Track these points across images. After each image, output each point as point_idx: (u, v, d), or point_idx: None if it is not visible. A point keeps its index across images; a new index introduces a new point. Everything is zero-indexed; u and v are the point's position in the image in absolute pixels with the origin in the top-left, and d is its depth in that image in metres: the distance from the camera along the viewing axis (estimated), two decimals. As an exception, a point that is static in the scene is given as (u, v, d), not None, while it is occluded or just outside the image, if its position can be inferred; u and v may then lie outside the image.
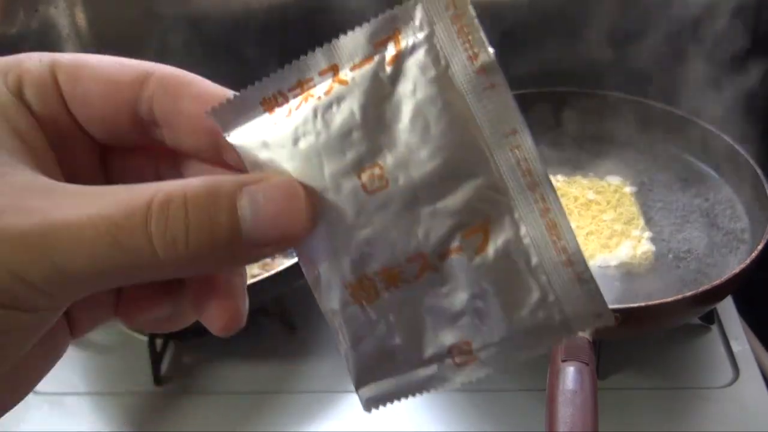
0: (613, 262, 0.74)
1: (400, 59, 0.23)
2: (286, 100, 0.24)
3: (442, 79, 0.23)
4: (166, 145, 0.27)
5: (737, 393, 0.69)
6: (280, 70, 0.24)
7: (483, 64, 0.22)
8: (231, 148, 0.25)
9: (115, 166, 0.28)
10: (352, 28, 0.24)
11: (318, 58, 0.24)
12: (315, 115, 0.23)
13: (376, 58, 0.23)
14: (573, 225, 0.80)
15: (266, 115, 0.24)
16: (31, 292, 0.21)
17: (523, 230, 0.23)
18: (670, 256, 0.75)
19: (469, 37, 0.22)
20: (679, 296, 0.63)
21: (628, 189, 0.82)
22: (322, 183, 0.23)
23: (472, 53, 0.22)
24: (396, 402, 0.25)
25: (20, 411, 0.70)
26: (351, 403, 0.70)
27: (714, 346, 0.74)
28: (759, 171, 0.75)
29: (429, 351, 0.24)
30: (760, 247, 0.67)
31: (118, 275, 0.22)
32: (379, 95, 0.23)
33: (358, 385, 0.25)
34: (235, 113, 0.24)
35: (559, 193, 0.82)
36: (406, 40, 0.23)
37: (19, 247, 0.21)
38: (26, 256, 0.21)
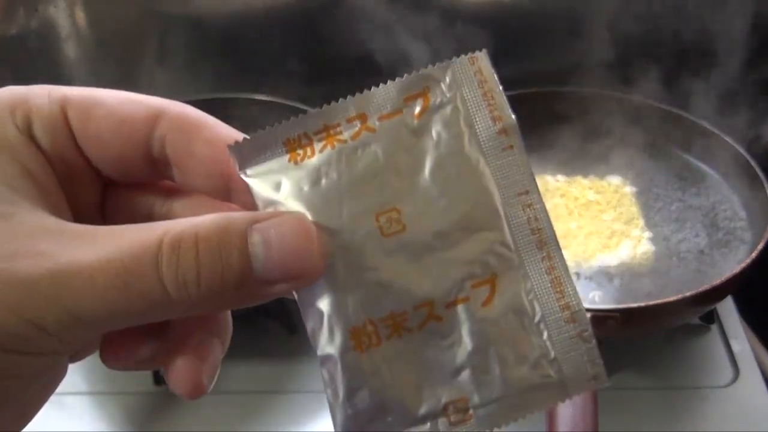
0: (613, 262, 0.74)
1: (427, 114, 0.24)
2: (311, 143, 0.24)
3: (465, 137, 0.24)
4: (175, 184, 0.27)
5: (737, 393, 0.69)
6: (308, 111, 0.25)
7: (504, 126, 0.24)
8: (244, 186, 0.25)
9: (116, 202, 0.27)
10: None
11: (347, 105, 0.25)
12: (340, 157, 0.24)
13: (405, 111, 0.24)
14: (573, 225, 0.79)
15: (287, 156, 0.24)
16: (44, 338, 0.21)
17: (528, 286, 0.23)
18: (670, 256, 0.75)
19: (493, 101, 0.24)
20: (679, 296, 0.63)
21: (628, 189, 0.82)
22: (339, 222, 0.24)
23: (495, 115, 0.24)
24: None
25: (20, 411, 0.70)
26: (351, 403, 0.70)
27: (714, 346, 0.74)
28: (759, 171, 0.75)
29: (424, 408, 0.23)
30: (760, 247, 0.67)
31: (130, 317, 0.22)
32: (405, 145, 0.24)
33: None
34: (256, 151, 0.25)
35: (558, 193, 0.82)
36: (435, 98, 0.24)
37: (33, 293, 0.21)
38: (40, 303, 0.21)
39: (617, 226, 0.77)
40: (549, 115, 0.87)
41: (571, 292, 0.23)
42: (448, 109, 0.24)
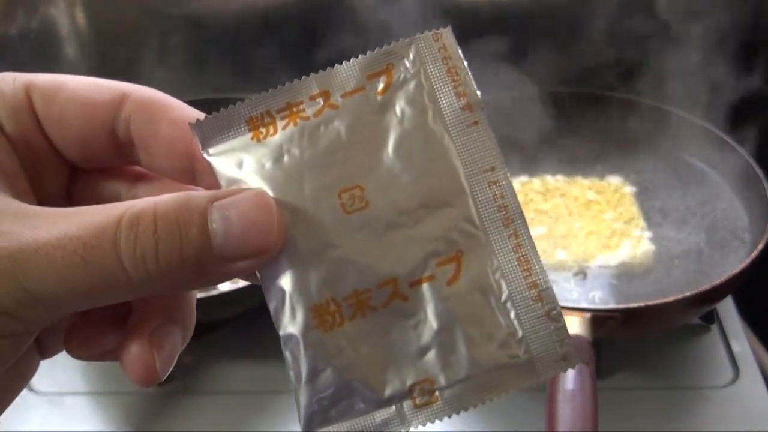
0: (613, 262, 0.74)
1: (390, 91, 0.24)
2: (273, 121, 0.24)
3: (428, 112, 0.24)
4: (140, 167, 0.27)
5: (737, 393, 0.69)
6: (270, 90, 0.24)
7: (469, 102, 0.24)
8: (208, 167, 0.24)
9: (83, 188, 0.27)
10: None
11: (310, 83, 0.24)
12: (302, 134, 0.24)
13: (368, 87, 0.24)
14: (573, 225, 0.79)
15: (250, 134, 0.24)
16: (3, 318, 0.21)
17: (495, 264, 0.23)
18: (670, 256, 0.75)
19: (457, 77, 0.24)
20: (679, 296, 0.63)
21: (628, 189, 0.82)
22: (301, 199, 0.23)
23: (460, 91, 0.24)
24: None
25: (20, 411, 0.70)
26: (351, 403, 0.70)
27: (714, 346, 0.74)
28: (759, 171, 0.75)
29: (389, 389, 0.23)
30: (760, 247, 0.67)
31: (89, 296, 0.22)
32: (367, 121, 0.24)
33: (308, 428, 0.24)
34: (218, 130, 0.24)
35: (558, 193, 0.82)
36: (398, 75, 0.24)
37: None
38: None
39: (617, 226, 0.77)
40: (549, 115, 0.87)
41: (538, 270, 0.23)
42: (411, 85, 0.24)
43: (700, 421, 0.67)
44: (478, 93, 0.24)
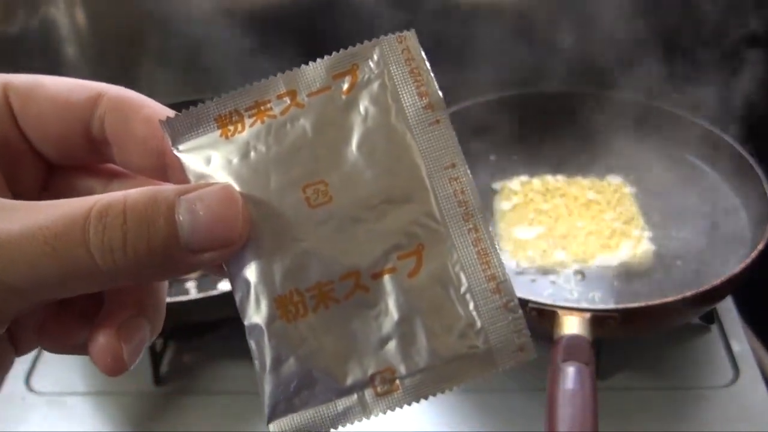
0: (613, 262, 0.74)
1: (355, 90, 0.25)
2: (241, 119, 0.25)
3: (391, 111, 0.24)
4: (115, 165, 0.27)
5: (737, 393, 0.69)
6: (239, 88, 0.25)
7: (431, 101, 0.24)
8: (177, 162, 0.25)
9: (59, 185, 0.28)
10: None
11: (277, 82, 0.25)
12: (269, 131, 0.25)
13: (334, 87, 0.25)
14: (573, 225, 0.79)
15: (218, 131, 0.25)
16: None
17: (455, 257, 0.24)
18: (670, 256, 0.75)
19: (420, 78, 0.25)
20: (679, 296, 0.63)
21: (628, 189, 0.82)
22: (266, 193, 0.24)
23: (422, 91, 0.25)
24: None
25: (20, 411, 0.70)
26: (351, 403, 0.70)
27: (714, 346, 0.74)
28: (759, 171, 0.75)
29: (351, 378, 0.24)
30: (760, 247, 0.67)
31: (59, 286, 0.22)
32: (332, 119, 0.25)
33: (272, 416, 0.24)
34: (188, 127, 0.25)
35: (558, 193, 0.82)
36: (363, 75, 0.25)
37: None
38: None
39: (617, 226, 0.77)
40: (550, 114, 0.87)
41: (496, 263, 0.24)
42: (375, 85, 0.25)
43: (700, 421, 0.67)
44: (440, 93, 0.25)
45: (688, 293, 0.63)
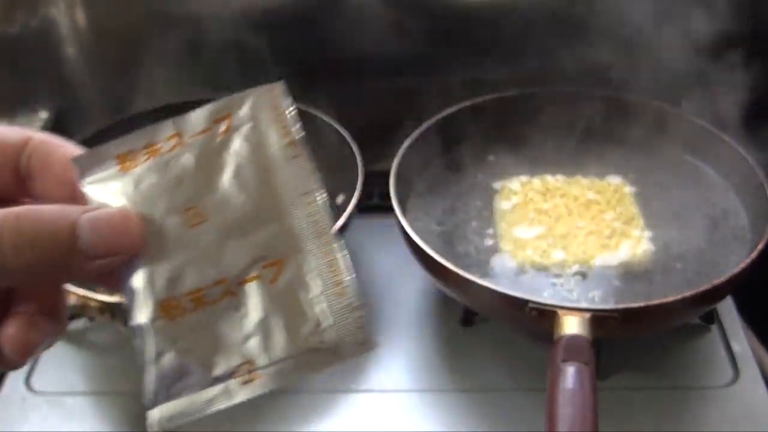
0: (613, 262, 0.74)
1: (230, 131, 0.30)
2: (137, 156, 0.30)
3: (259, 148, 0.30)
4: (35, 197, 0.32)
5: (737, 393, 0.69)
6: (137, 131, 0.31)
7: (292, 139, 0.30)
8: (84, 193, 0.30)
9: None
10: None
11: (168, 126, 0.30)
12: (158, 166, 0.30)
13: (213, 129, 0.30)
14: (573, 225, 0.79)
15: (118, 167, 0.30)
16: None
17: (309, 266, 0.29)
18: (670, 256, 0.75)
19: (284, 121, 0.30)
20: (679, 296, 0.63)
21: (628, 189, 0.82)
22: (153, 216, 0.29)
23: (285, 132, 0.30)
24: (186, 420, 0.29)
25: (20, 411, 0.70)
26: (351, 403, 0.70)
27: (714, 346, 0.74)
28: (759, 171, 0.75)
29: (219, 370, 0.28)
30: (760, 247, 0.67)
31: None
32: (210, 155, 0.30)
33: (153, 403, 0.29)
34: (94, 163, 0.30)
35: (559, 193, 0.82)
36: (237, 119, 0.30)
37: None
38: None
39: (617, 225, 0.77)
40: (550, 115, 0.87)
41: (344, 270, 0.28)
42: (247, 127, 0.30)
43: (700, 421, 0.67)
44: (300, 133, 0.30)
45: (688, 293, 0.63)
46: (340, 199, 0.82)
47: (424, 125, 0.83)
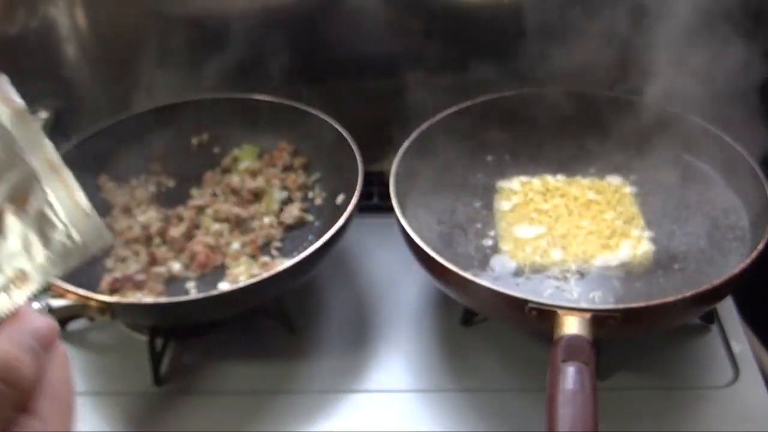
0: (613, 262, 0.74)
1: None
2: None
3: None
4: None
5: (737, 393, 0.69)
6: None
7: (17, 110, 0.36)
8: None
9: None
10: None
11: None
12: None
13: None
14: (573, 225, 0.78)
15: None
16: None
17: (50, 195, 0.36)
18: (670, 256, 0.75)
19: (13, 104, 0.36)
20: (679, 296, 0.63)
21: (628, 189, 0.82)
22: None
23: (13, 106, 0.36)
24: None
25: (20, 411, 0.70)
26: (351, 403, 0.71)
27: (714, 346, 0.74)
28: (759, 171, 0.75)
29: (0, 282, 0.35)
30: (760, 247, 0.67)
31: None
32: None
33: None
34: None
35: (558, 193, 0.82)
36: None
37: None
38: None
39: (617, 225, 0.77)
40: (549, 115, 0.87)
41: (75, 188, 0.36)
42: None
43: (700, 421, 0.67)
44: (21, 102, 0.36)
45: (688, 293, 0.63)
46: (340, 199, 0.82)
47: (424, 125, 0.83)
